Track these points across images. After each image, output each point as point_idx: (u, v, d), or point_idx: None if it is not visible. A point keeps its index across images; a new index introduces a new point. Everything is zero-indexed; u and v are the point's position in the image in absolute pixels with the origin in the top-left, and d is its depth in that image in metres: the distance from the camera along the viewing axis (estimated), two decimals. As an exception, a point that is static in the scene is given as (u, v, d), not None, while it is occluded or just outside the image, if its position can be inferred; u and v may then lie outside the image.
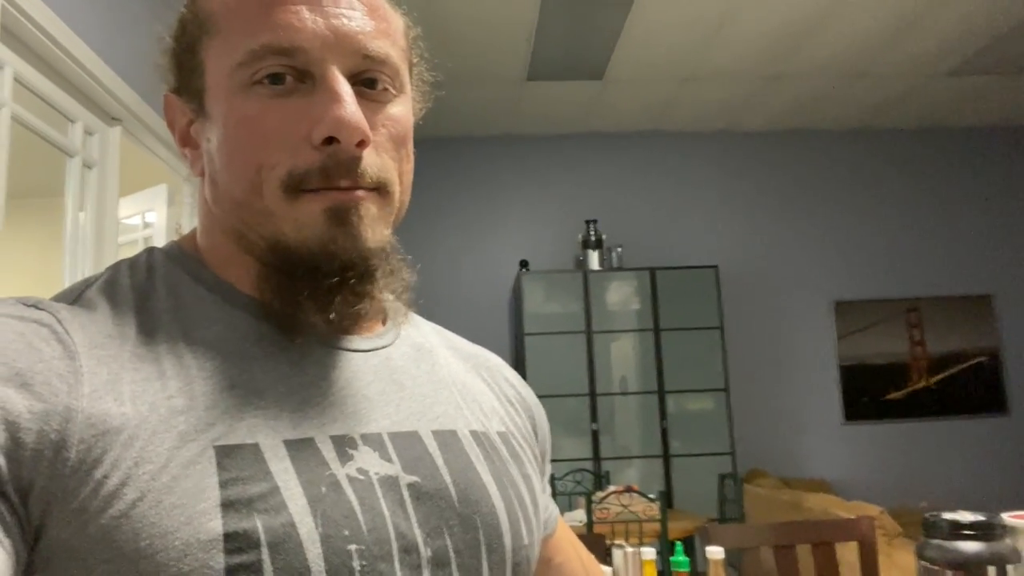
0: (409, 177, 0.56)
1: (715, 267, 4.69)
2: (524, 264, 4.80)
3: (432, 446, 0.53)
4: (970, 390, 5.07)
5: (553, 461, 4.33)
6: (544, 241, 5.09)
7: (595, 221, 4.82)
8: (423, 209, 5.02)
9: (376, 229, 0.51)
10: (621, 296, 4.66)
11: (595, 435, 4.45)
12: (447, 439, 0.54)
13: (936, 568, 0.91)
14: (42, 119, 1.93)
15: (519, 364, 4.68)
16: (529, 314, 4.56)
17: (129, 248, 2.95)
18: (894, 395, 5.05)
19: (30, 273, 4.64)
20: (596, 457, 4.42)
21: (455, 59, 4.09)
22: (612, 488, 3.13)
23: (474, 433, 0.57)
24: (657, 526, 2.93)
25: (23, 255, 4.64)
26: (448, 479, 0.51)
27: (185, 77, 0.54)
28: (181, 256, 0.55)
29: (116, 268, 0.53)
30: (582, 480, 4.08)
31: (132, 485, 0.41)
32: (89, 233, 2.21)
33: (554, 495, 3.92)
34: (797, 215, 5.24)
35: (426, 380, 0.58)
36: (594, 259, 4.73)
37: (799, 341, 5.11)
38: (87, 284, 0.51)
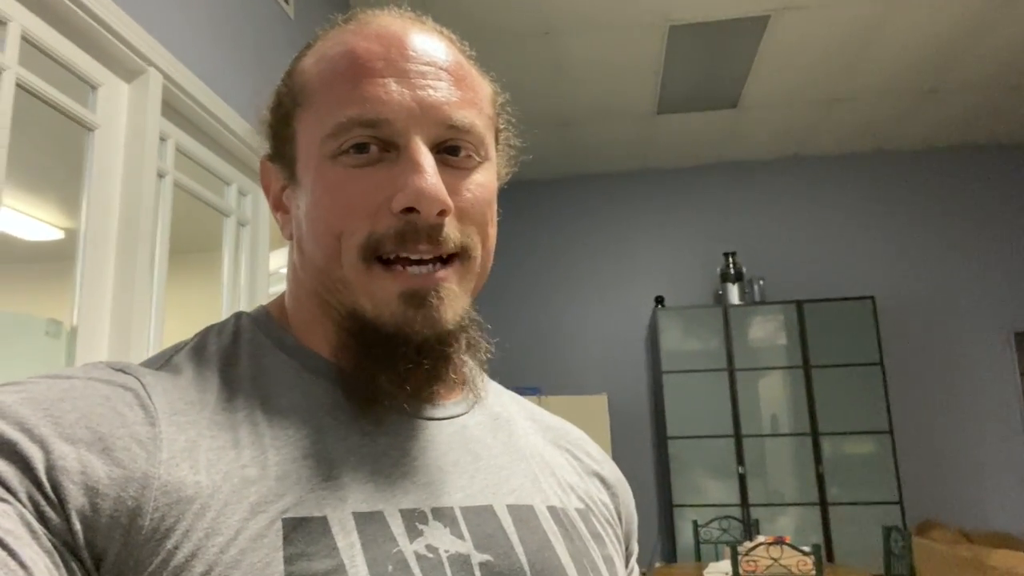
0: (492, 242, 0.55)
1: (871, 298, 4.36)
2: (660, 300, 4.68)
3: (507, 522, 0.50)
4: None
5: (697, 506, 4.14)
6: (681, 276, 4.95)
7: (734, 253, 4.63)
8: (558, 246, 5.04)
9: (455, 307, 0.51)
10: (765, 331, 4.42)
11: (742, 479, 4.20)
12: (523, 514, 0.52)
13: None
14: (201, 183, 2.11)
15: (658, 403, 4.54)
16: (667, 351, 4.43)
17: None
18: (1096, 438, 4.43)
19: (192, 319, 5.11)
20: (744, 503, 4.17)
21: (584, 98, 4.11)
22: (761, 539, 2.92)
23: (552, 509, 0.54)
24: (813, 582, 2.70)
25: (186, 303, 5.13)
26: (523, 559, 0.49)
27: (279, 146, 0.56)
28: (266, 321, 0.56)
29: (205, 333, 0.55)
30: (728, 528, 3.86)
31: (201, 557, 0.41)
32: (243, 284, 2.39)
33: (698, 543, 3.73)
34: (963, 238, 4.77)
35: (502, 451, 0.56)
36: (734, 293, 4.53)
37: (973, 377, 4.61)
38: (177, 349, 0.53)
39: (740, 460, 4.23)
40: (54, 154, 2.03)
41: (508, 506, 0.51)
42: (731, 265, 4.59)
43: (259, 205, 2.45)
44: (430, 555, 0.45)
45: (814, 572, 2.70)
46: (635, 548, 0.64)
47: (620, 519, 0.62)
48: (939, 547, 3.61)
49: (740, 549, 2.81)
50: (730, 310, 4.45)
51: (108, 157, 1.67)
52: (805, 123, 4.53)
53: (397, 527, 0.46)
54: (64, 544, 0.39)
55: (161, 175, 1.85)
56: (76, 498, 0.40)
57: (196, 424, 0.46)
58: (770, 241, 4.92)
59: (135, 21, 1.67)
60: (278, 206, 0.58)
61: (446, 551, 0.46)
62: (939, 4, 3.31)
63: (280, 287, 3.22)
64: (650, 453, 4.63)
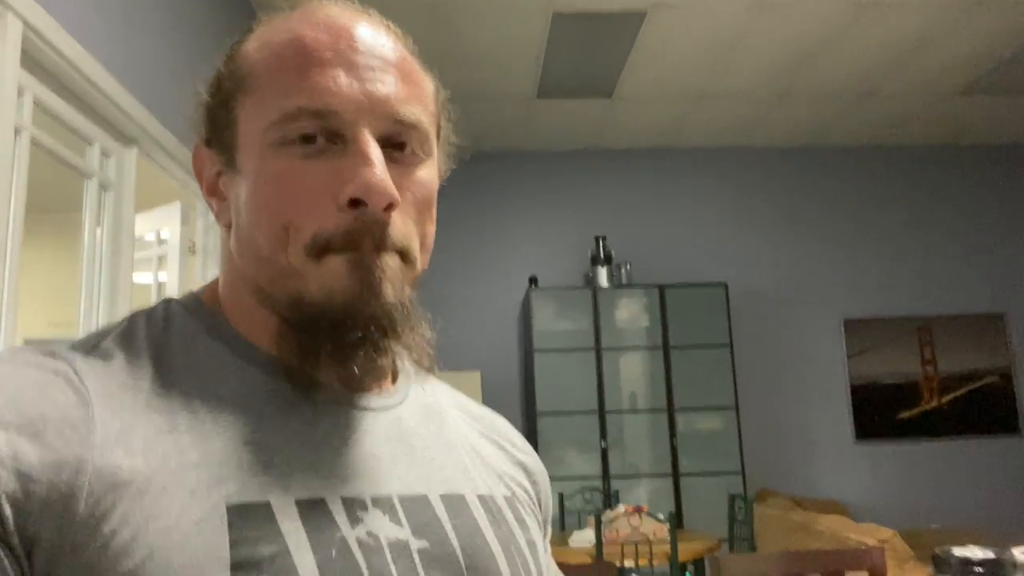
0: (430, 240, 0.56)
1: (724, 284, 4.69)
2: (534, 280, 4.80)
3: (441, 510, 0.53)
4: (982, 410, 5.03)
5: (563, 479, 4.32)
6: (554, 257, 5.10)
7: (604, 237, 4.83)
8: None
9: (397, 286, 0.52)
10: (630, 313, 4.65)
11: (604, 453, 4.43)
12: (455, 503, 0.54)
13: (947, 605, 0.92)
14: (61, 141, 1.96)
15: (528, 381, 4.68)
16: (539, 331, 4.56)
17: (144, 264, 2.98)
18: (905, 414, 5.02)
19: (48, 284, 4.70)
20: (605, 475, 4.40)
21: (466, 75, 4.12)
22: (621, 508, 3.11)
23: (481, 498, 0.57)
24: (667, 547, 2.91)
25: (42, 268, 4.70)
26: (457, 545, 0.51)
27: (217, 131, 0.55)
28: (199, 308, 0.55)
29: (133, 319, 0.53)
30: (591, 499, 4.07)
31: (142, 541, 0.41)
32: (106, 249, 2.24)
33: (563, 513, 3.91)
34: (807, 232, 5.23)
35: (435, 441, 0.58)
36: (603, 276, 4.73)
37: (809, 359, 5.09)
38: (104, 334, 0.51)
39: (603, 435, 4.45)
40: None
41: (441, 495, 0.54)
42: (601, 249, 4.78)
43: (124, 167, 2.30)
44: (371, 541, 0.47)
45: (669, 538, 2.92)
46: (549, 531, 0.68)
47: (540, 505, 0.66)
48: (775, 513, 3.98)
49: (604, 518, 2.99)
50: (599, 292, 4.65)
51: (-44, 107, 1.52)
52: (673, 117, 4.77)
53: (339, 514, 0.47)
54: None
55: (17, 131, 1.70)
56: (6, 483, 0.39)
57: (131, 408, 0.45)
58: (638, 227, 5.17)
59: (-9, -41, 1.52)
60: (213, 192, 0.57)
61: (386, 537, 0.48)
62: (797, 16, 3.60)
63: (144, 253, 3.04)
64: (520, 428, 4.77)
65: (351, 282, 0.50)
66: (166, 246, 2.94)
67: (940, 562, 0.91)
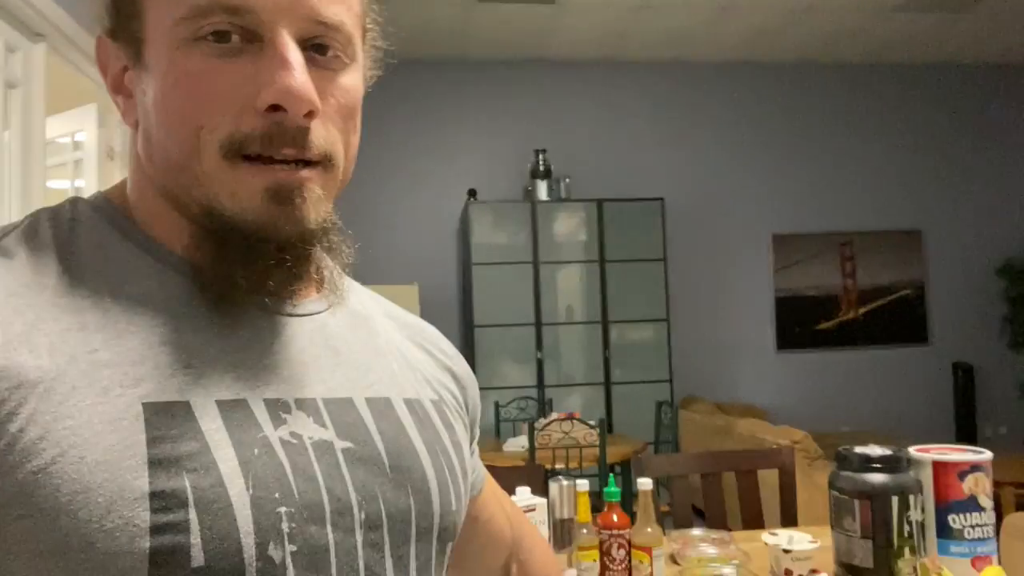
0: (354, 149, 0.54)
1: (661, 199, 4.75)
2: (472, 193, 4.76)
3: (366, 413, 0.53)
4: (895, 321, 5.34)
5: (499, 388, 4.43)
6: (493, 170, 5.05)
7: (544, 151, 4.79)
8: (369, 133, 4.90)
9: (318, 209, 0.50)
10: (568, 227, 4.69)
11: (540, 363, 4.55)
12: (381, 407, 0.55)
13: (845, 498, 0.99)
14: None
15: (467, 294, 4.71)
16: (477, 244, 4.56)
17: (59, 170, 2.82)
18: (824, 325, 5.28)
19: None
20: (540, 384, 4.53)
21: (402, -23, 3.93)
22: (554, 415, 3.23)
23: (408, 401, 0.58)
24: (596, 451, 3.05)
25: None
26: (381, 446, 0.52)
27: (122, 22, 0.51)
28: (108, 210, 0.53)
29: (36, 217, 0.51)
30: (526, 407, 4.19)
31: (51, 440, 0.40)
32: (15, 153, 2.11)
33: (498, 422, 4.03)
34: (740, 148, 5.30)
35: (362, 347, 0.58)
36: (542, 189, 4.73)
37: (738, 272, 5.26)
38: (3, 232, 0.49)
39: (539, 346, 4.55)
40: None
41: (367, 399, 0.54)
42: (541, 162, 4.75)
43: (32, 64, 2.14)
44: (294, 441, 0.47)
45: (598, 443, 3.06)
46: (477, 433, 0.70)
47: (467, 409, 0.67)
48: (698, 417, 4.20)
49: (537, 425, 3.09)
50: (538, 205, 4.65)
51: None
52: (614, 28, 4.68)
53: (261, 415, 0.47)
54: None
55: (-95, 19, 1.56)
56: None
57: (33, 307, 0.44)
58: (577, 140, 5.14)
59: None
60: (119, 89, 0.53)
61: (310, 437, 0.48)
62: (742, -76, 3.52)
63: (60, 157, 2.88)
64: (458, 341, 4.83)
65: (266, 206, 0.48)
66: (82, 150, 2.79)
67: (842, 459, 0.98)
